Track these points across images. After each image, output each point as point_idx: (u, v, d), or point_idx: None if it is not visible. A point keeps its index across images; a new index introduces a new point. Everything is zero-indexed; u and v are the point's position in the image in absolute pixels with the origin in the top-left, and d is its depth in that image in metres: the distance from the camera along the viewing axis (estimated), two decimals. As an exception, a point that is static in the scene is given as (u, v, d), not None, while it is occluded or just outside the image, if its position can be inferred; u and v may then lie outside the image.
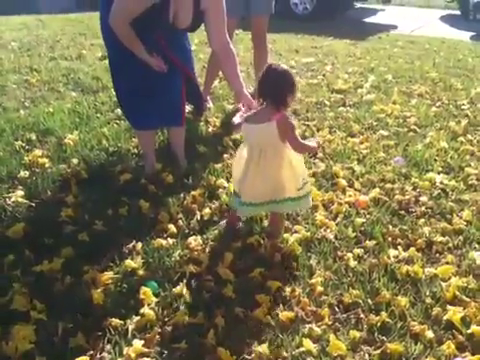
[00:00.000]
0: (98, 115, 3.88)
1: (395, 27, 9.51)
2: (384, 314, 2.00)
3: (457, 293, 2.14)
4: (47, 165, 3.02)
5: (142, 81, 2.77)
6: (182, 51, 3.01)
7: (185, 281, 2.15)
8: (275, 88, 2.22)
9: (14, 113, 3.78)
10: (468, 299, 2.12)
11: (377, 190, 2.94)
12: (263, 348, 1.81)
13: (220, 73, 4.55)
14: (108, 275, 2.14)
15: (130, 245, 2.35)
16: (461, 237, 2.57)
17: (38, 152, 3.12)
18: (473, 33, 8.97)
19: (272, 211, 2.50)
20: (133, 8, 2.54)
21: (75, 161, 3.08)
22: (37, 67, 4.99)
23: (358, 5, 11.98)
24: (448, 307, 2.06)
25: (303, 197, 2.42)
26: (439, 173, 3.24)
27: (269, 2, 4.19)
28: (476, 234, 2.59)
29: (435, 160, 3.42)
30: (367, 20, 10.48)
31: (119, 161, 3.14)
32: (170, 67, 2.81)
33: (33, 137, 3.37)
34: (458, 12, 11.24)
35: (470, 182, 3.14)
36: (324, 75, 5.34)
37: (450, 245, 2.51)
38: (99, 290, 2.05)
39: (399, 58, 6.36)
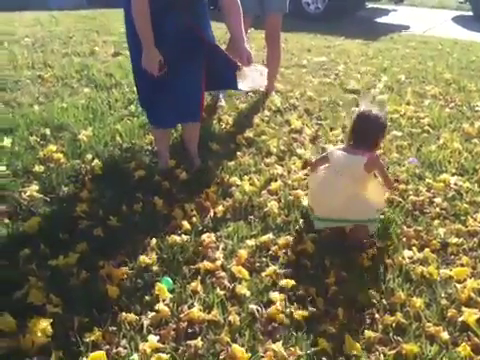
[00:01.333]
0: (111, 111, 3.89)
1: (407, 27, 9.45)
2: (399, 314, 2.00)
3: (472, 295, 2.13)
4: (62, 160, 3.03)
5: (163, 76, 2.72)
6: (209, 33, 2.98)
7: (199, 278, 2.16)
8: (367, 135, 2.45)
9: (28, 108, 3.79)
10: (483, 301, 2.11)
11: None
12: (278, 346, 1.82)
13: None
14: (123, 270, 2.15)
15: (144, 241, 2.36)
16: (476, 239, 2.56)
17: (53, 147, 3.13)
18: (486, 35, 8.90)
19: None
20: None
21: (89, 157, 3.09)
22: (51, 63, 5.01)
23: (370, 5, 11.92)
24: (463, 309, 2.05)
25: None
26: (453, 175, 3.21)
27: (283, 1, 4.19)
28: (491, 236, 2.58)
29: (449, 161, 3.40)
30: (379, 20, 10.43)
31: (133, 158, 3.15)
32: (193, 58, 2.80)
33: (47, 132, 3.38)
34: (470, 13, 11.16)
35: (485, 184, 3.12)
36: (337, 74, 5.33)
37: (465, 247, 2.50)
38: (114, 285, 2.06)
39: (412, 58, 6.33)
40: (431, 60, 6.30)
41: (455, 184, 3.08)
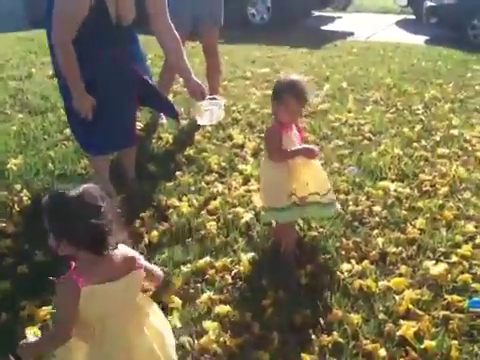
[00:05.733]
0: (45, 137, 3.76)
1: (351, 34, 9.57)
2: (336, 333, 1.95)
3: (410, 306, 2.10)
4: (-13, 193, 2.88)
5: (98, 105, 2.64)
6: (141, 60, 2.95)
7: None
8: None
9: (-45, 138, 3.62)
10: (421, 312, 2.08)
11: (331, 202, 2.89)
12: (210, 380, 1.73)
13: (174, 87, 4.51)
14: (47, 310, 2.02)
15: (72, 275, 2.23)
16: (415, 247, 2.54)
17: (-22, 179, 2.99)
18: (427, 37, 9.10)
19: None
20: (72, 12, 2.43)
21: (18, 187, 2.95)
22: (-16, 89, 4.83)
23: (316, 13, 12.07)
24: (401, 322, 2.01)
25: (285, 210, 2.33)
26: (393, 181, 3.22)
27: (217, 14, 4.15)
28: (430, 243, 2.56)
29: (389, 168, 3.39)
30: (324, 28, 10.54)
31: (66, 185, 3.02)
32: (126, 86, 2.72)
33: (-26, 163, 3.22)
34: (413, 17, 11.43)
35: (424, 189, 3.12)
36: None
37: (404, 255, 2.48)
38: (36, 327, 1.93)
39: (354, 65, 6.37)
40: (373, 66, 6.37)
41: (395, 191, 3.08)
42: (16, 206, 2.77)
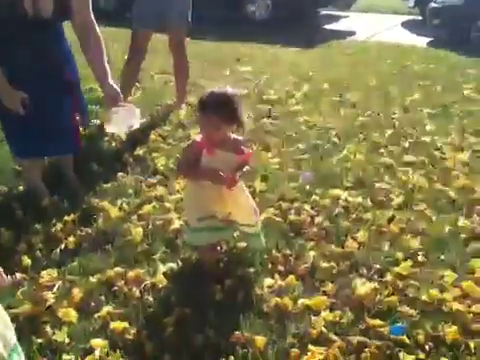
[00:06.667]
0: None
1: (353, 33, 9.35)
2: (232, 358, 1.77)
3: (324, 330, 1.91)
4: None
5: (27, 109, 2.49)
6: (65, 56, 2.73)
7: (18, 324, 1.90)
8: None
9: None
10: (335, 337, 1.89)
11: (271, 210, 2.71)
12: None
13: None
14: None
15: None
16: (348, 262, 2.34)
17: None
18: (431, 39, 8.84)
19: None
20: None
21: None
22: None
23: (323, 12, 11.82)
24: (310, 347, 1.83)
25: (198, 231, 2.18)
26: (347, 189, 3.02)
27: (183, 15, 4.02)
28: (366, 257, 2.36)
29: (346, 175, 3.20)
30: (327, 27, 10.32)
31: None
32: (57, 87, 2.59)
33: None
34: (420, 18, 11.13)
35: (379, 198, 2.92)
36: (257, 84, 5.12)
37: (334, 271, 2.29)
38: None
39: (343, 66, 6.16)
40: (363, 66, 6.15)
41: (345, 200, 2.88)
42: None
